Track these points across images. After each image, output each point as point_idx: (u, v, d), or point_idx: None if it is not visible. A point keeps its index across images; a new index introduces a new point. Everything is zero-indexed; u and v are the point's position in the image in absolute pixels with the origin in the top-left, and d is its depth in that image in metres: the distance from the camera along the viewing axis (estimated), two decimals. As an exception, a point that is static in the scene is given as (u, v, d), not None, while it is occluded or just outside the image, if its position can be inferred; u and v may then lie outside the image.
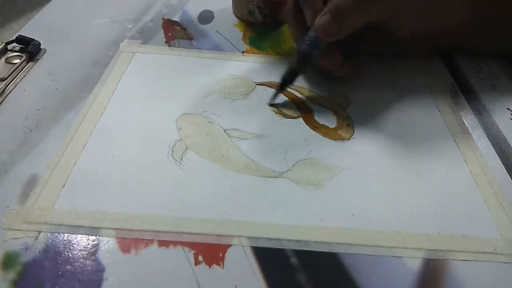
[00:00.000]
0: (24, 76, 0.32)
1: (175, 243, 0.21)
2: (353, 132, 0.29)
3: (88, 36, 0.38)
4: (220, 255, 0.21)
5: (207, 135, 0.28)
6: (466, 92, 0.34)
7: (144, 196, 0.24)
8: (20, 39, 0.35)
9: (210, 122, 0.29)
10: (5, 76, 0.32)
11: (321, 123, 0.30)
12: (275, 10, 0.40)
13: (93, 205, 0.23)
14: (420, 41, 0.34)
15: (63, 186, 0.24)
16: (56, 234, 0.21)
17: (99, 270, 0.20)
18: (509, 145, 0.29)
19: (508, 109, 0.32)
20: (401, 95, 0.33)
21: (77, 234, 0.22)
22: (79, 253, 0.21)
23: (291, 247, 0.22)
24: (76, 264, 0.20)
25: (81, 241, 0.21)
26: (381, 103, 0.32)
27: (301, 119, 0.30)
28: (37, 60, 0.34)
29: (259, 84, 0.33)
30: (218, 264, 0.21)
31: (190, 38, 0.39)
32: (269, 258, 0.21)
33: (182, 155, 0.26)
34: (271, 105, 0.31)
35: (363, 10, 0.29)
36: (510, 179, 0.26)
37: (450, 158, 0.28)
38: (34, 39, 0.35)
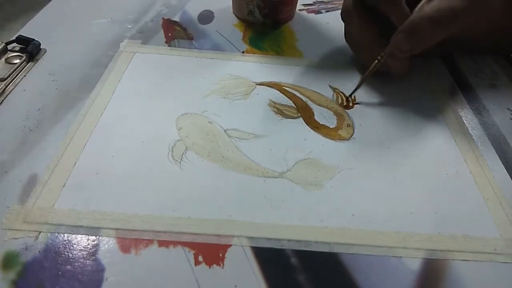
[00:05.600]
0: (24, 76, 0.32)
1: (175, 243, 0.21)
2: (353, 132, 0.29)
3: (88, 36, 0.38)
4: (220, 255, 0.21)
5: (207, 135, 0.28)
6: (466, 92, 0.34)
7: (144, 196, 0.24)
8: (20, 39, 0.35)
9: (210, 122, 0.29)
10: (5, 76, 0.32)
11: (321, 123, 0.30)
12: (275, 10, 0.40)
13: (93, 205, 0.23)
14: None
15: (63, 186, 0.24)
16: (56, 234, 0.21)
17: (99, 270, 0.20)
18: (509, 145, 0.29)
19: (508, 109, 0.32)
20: (401, 95, 0.33)
21: (77, 234, 0.22)
22: (79, 253, 0.21)
23: (291, 247, 0.22)
24: (76, 264, 0.20)
25: (81, 241, 0.21)
26: (381, 103, 0.32)
27: (301, 119, 0.30)
28: (37, 60, 0.34)
29: (259, 84, 0.33)
30: (218, 264, 0.21)
31: (190, 38, 0.39)
32: (269, 258, 0.21)
33: (182, 155, 0.26)
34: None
35: (441, 28, 0.29)
36: (510, 179, 0.26)
37: (450, 158, 0.28)
38: (34, 39, 0.35)
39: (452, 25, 0.29)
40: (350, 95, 0.32)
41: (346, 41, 0.37)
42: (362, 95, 0.33)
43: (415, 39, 0.29)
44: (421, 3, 0.30)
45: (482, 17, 0.30)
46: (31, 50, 0.34)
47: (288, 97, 0.32)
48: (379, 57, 0.31)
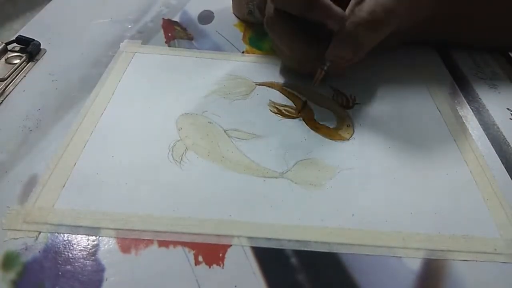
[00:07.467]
0: (24, 76, 0.32)
1: (175, 243, 0.21)
2: (353, 132, 0.29)
3: (88, 36, 0.38)
4: (220, 255, 0.21)
5: (207, 135, 0.28)
6: (466, 92, 0.34)
7: (144, 196, 0.24)
8: (20, 39, 0.35)
9: (210, 123, 0.29)
10: (5, 77, 0.32)
11: (321, 123, 0.30)
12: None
13: (93, 205, 0.23)
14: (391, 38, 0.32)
15: (63, 186, 0.24)
16: (56, 234, 0.21)
17: (99, 270, 0.20)
18: (509, 145, 0.29)
19: (508, 109, 0.32)
20: (401, 95, 0.33)
21: (77, 234, 0.22)
22: (79, 253, 0.21)
23: (291, 247, 0.22)
24: (76, 264, 0.20)
25: (81, 241, 0.21)
26: (381, 103, 0.32)
27: (301, 119, 0.30)
28: (37, 60, 0.34)
29: (259, 84, 0.33)
30: (218, 264, 0.21)
31: (190, 38, 0.39)
32: (269, 258, 0.21)
33: (182, 155, 0.26)
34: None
35: (379, 30, 0.28)
36: (510, 179, 0.26)
37: (450, 158, 0.28)
38: (34, 39, 0.35)
39: (389, 24, 0.28)
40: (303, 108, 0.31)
41: (273, 48, 0.35)
42: (362, 95, 0.33)
43: (355, 46, 0.28)
44: (350, 7, 0.29)
45: (413, 9, 0.30)
46: (31, 50, 0.34)
47: (288, 97, 0.32)
48: (322, 67, 0.30)
